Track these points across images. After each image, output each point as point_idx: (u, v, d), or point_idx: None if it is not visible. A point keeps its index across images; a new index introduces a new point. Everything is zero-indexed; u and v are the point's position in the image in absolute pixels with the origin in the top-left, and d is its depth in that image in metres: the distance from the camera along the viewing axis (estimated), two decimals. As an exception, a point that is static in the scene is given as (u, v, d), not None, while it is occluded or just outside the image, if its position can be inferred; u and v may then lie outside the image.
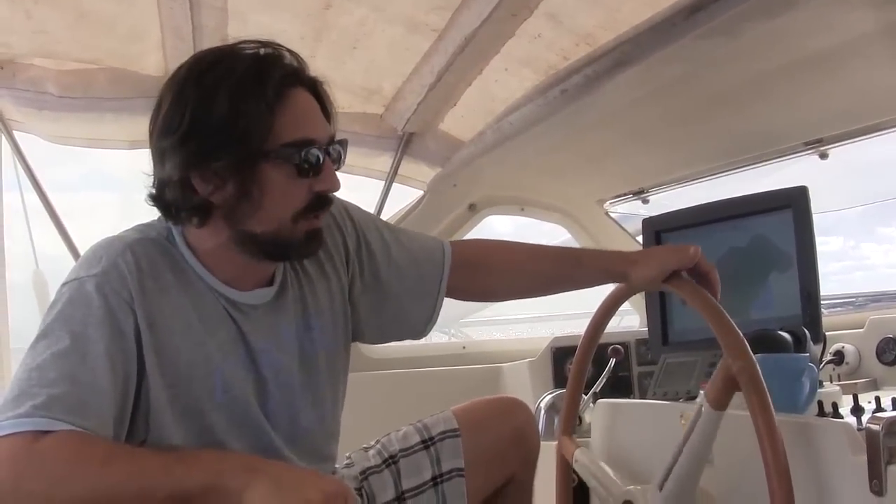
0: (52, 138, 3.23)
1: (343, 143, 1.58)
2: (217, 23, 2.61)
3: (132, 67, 3.04)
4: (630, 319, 3.77)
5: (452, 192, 3.52)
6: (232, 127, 1.44)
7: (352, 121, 3.26)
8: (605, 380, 2.65)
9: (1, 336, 3.19)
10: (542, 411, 2.72)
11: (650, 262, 1.84)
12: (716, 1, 1.96)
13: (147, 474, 1.31)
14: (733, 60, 2.25)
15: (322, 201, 1.55)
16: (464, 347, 3.71)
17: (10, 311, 3.25)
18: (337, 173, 1.55)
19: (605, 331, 2.06)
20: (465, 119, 3.17)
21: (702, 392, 1.67)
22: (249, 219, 1.50)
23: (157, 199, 1.53)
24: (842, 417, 1.68)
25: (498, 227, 3.83)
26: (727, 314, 1.62)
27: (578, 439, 2.08)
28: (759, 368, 1.51)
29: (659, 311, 2.51)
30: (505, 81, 2.82)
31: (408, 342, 1.99)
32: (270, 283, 1.64)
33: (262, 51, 1.52)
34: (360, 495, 1.80)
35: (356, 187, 3.53)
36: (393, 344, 2.01)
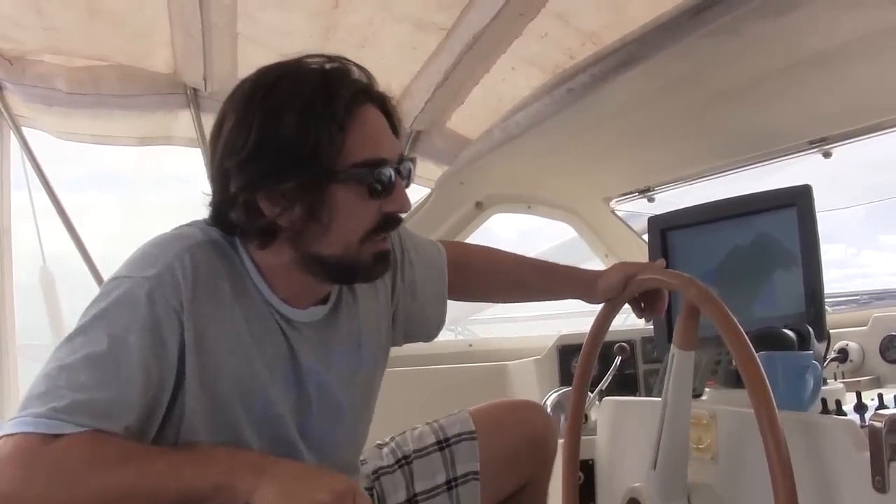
0: (61, 135, 3.26)
1: (413, 161, 1.52)
2: (226, 20, 2.62)
3: (141, 65, 3.06)
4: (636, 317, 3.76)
5: (459, 190, 3.52)
6: (301, 147, 1.38)
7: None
8: (610, 377, 2.65)
9: (8, 333, 3.21)
10: (549, 409, 2.72)
11: (614, 270, 1.94)
12: (721, 1, 1.97)
13: (158, 476, 1.31)
14: (738, 59, 2.26)
15: (391, 222, 1.50)
16: (470, 345, 3.71)
17: (17, 308, 3.27)
18: None
19: (611, 328, 2.06)
20: (472, 117, 3.18)
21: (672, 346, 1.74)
22: (316, 241, 1.45)
23: (219, 219, 1.47)
24: (845, 415, 1.69)
25: (501, 232, 3.83)
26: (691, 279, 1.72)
27: (584, 437, 2.09)
28: (760, 363, 1.52)
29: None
30: (512, 80, 2.83)
31: (415, 340, 1.99)
32: (325, 300, 1.59)
33: (328, 66, 1.46)
34: (371, 495, 1.79)
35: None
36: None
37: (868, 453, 1.44)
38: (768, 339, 1.84)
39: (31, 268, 3.47)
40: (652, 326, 2.63)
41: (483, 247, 2.03)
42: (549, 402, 2.75)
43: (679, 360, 1.71)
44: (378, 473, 1.82)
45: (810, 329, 1.96)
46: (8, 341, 3.18)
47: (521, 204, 3.78)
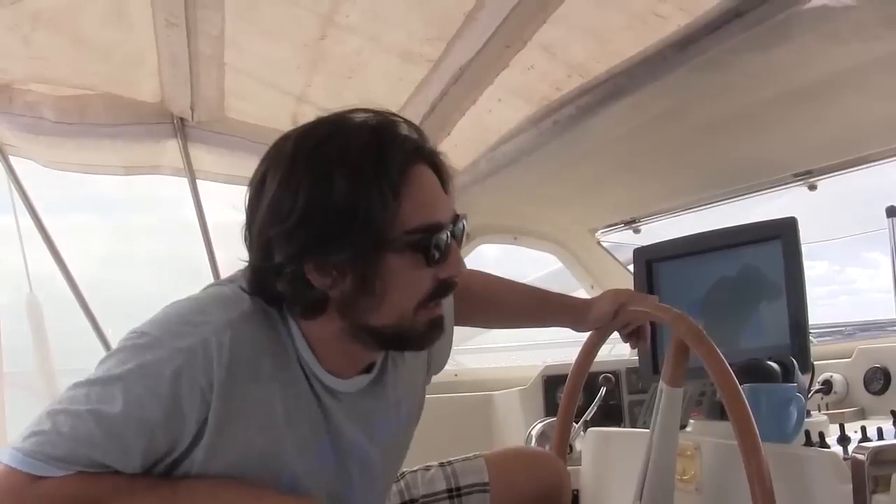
0: (49, 163, 3.26)
1: (465, 219, 1.44)
2: (213, 50, 2.63)
3: (128, 94, 3.06)
4: (621, 348, 3.76)
5: (446, 220, 3.51)
6: (353, 214, 1.28)
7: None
8: (595, 408, 2.66)
9: (-7, 360, 3.19)
10: (533, 439, 2.73)
11: (605, 298, 1.93)
12: (707, 35, 1.98)
13: None
14: (724, 93, 2.27)
15: (447, 288, 1.41)
16: (456, 375, 3.70)
17: (3, 333, 3.25)
18: None
19: (596, 359, 2.07)
20: (458, 148, 3.18)
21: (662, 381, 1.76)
22: (369, 312, 1.36)
23: (261, 288, 1.37)
24: (829, 447, 1.69)
25: (486, 250, 3.84)
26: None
27: (569, 467, 2.08)
28: (746, 402, 1.53)
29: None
30: (498, 112, 2.84)
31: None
32: (369, 369, 1.52)
33: (374, 121, 1.37)
34: None
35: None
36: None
37: (851, 485, 1.44)
38: (752, 371, 1.85)
39: (14, 291, 3.45)
40: (637, 357, 2.63)
41: (479, 272, 1.98)
42: (533, 433, 2.75)
43: (668, 397, 1.73)
44: None
45: (794, 361, 1.97)
46: (-6, 369, 3.16)
47: (508, 235, 3.80)
